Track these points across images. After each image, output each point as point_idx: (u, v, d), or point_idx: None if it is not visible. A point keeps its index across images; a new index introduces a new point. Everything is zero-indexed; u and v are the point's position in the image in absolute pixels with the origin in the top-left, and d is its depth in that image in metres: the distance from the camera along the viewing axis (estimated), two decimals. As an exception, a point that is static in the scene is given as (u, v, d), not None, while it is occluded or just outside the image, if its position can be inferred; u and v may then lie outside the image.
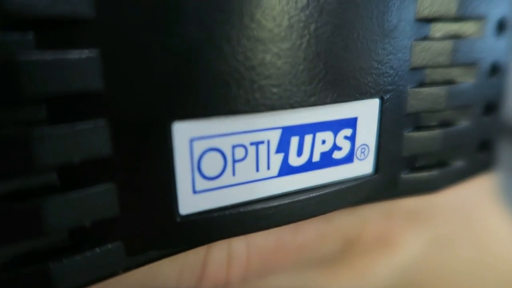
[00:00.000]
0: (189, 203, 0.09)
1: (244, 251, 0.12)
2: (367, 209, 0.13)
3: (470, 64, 0.12)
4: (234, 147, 0.09)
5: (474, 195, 0.15)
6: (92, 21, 0.07)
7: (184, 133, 0.08)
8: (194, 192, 0.09)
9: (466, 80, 0.12)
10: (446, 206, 0.14)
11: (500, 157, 0.15)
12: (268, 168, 0.09)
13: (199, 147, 0.08)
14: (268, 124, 0.09)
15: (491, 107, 0.13)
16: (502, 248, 0.16)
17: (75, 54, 0.07)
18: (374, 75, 0.10)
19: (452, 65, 0.11)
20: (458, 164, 0.13)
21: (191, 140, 0.08)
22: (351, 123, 0.10)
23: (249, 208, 0.09)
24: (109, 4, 0.07)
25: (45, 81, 0.07)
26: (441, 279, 0.15)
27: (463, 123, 0.12)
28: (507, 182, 0.18)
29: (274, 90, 0.09)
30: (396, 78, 0.10)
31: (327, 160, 0.10)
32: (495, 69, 0.13)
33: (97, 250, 0.08)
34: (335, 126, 0.10)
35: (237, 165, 0.09)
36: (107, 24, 0.07)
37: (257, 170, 0.09)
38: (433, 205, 0.14)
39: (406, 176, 0.12)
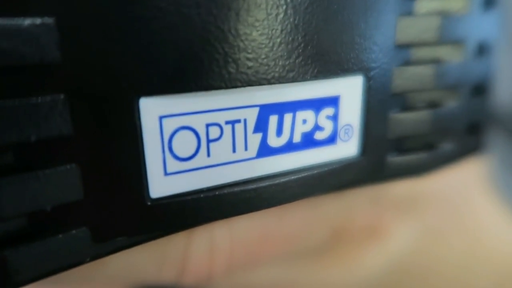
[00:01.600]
0: (160, 185, 0.08)
1: (227, 241, 0.11)
2: (355, 197, 0.13)
3: (457, 42, 0.11)
4: (208, 125, 0.08)
5: (465, 184, 0.15)
6: None
7: (152, 109, 0.08)
8: (166, 174, 0.08)
9: (453, 59, 0.11)
10: (436, 195, 0.14)
11: (491, 146, 0.14)
12: (246, 149, 0.09)
13: (169, 125, 0.08)
14: (244, 102, 0.08)
15: (480, 88, 0.13)
16: (493, 238, 0.16)
17: None
18: (356, 51, 0.09)
19: (438, 42, 0.11)
20: (446, 146, 0.12)
21: (161, 118, 0.08)
22: (333, 101, 0.10)
23: (226, 191, 0.09)
24: None
25: None
26: (431, 269, 0.14)
27: (451, 104, 0.12)
28: (498, 172, 0.18)
29: (250, 64, 0.08)
30: (380, 55, 0.10)
31: (308, 141, 0.10)
32: (483, 48, 0.12)
33: (60, 236, 0.07)
34: (316, 104, 0.09)
35: (212, 145, 0.08)
36: None
37: (234, 151, 0.09)
38: (422, 194, 0.14)
39: (392, 159, 0.11)
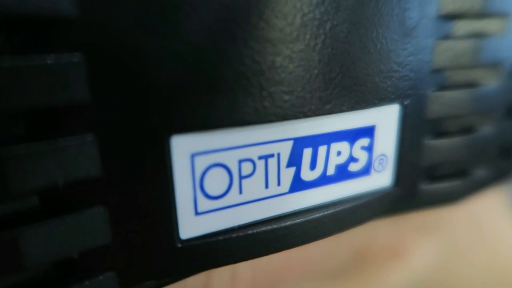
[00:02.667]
0: (190, 226, 0.08)
1: (249, 271, 0.11)
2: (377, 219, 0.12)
3: (494, 65, 0.11)
4: (240, 162, 0.08)
5: (489, 209, 0.15)
6: (75, 21, 0.06)
7: (184, 147, 0.07)
8: (196, 213, 0.08)
9: (490, 82, 0.11)
10: (457, 214, 0.14)
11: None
12: (279, 184, 0.08)
13: (201, 163, 0.07)
14: (278, 136, 0.08)
15: None
16: None
17: (54, 59, 0.06)
18: (393, 79, 0.09)
19: (475, 65, 0.10)
20: (480, 172, 0.12)
21: (192, 156, 0.07)
22: (369, 131, 0.09)
23: (258, 229, 0.08)
24: (96, 3, 0.06)
25: (22, 92, 0.06)
26: (454, 285, 0.14)
27: (486, 129, 0.11)
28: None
29: (286, 97, 0.08)
30: (417, 81, 0.09)
31: (342, 174, 0.09)
32: None
33: (87, 283, 0.07)
34: (351, 135, 0.09)
35: (244, 181, 0.08)
36: (92, 24, 0.06)
37: (267, 186, 0.08)
38: (443, 214, 0.13)
39: (425, 187, 0.11)
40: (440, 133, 0.11)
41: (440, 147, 0.10)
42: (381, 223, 0.12)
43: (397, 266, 0.13)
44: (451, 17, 0.10)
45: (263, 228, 0.08)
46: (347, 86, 0.08)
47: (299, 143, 0.08)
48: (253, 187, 0.08)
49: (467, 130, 0.11)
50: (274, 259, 0.11)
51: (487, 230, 0.15)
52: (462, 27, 0.10)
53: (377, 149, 0.09)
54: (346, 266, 0.13)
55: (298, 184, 0.09)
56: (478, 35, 0.10)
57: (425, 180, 0.11)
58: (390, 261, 0.13)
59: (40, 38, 0.06)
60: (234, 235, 0.08)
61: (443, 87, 0.10)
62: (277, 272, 0.11)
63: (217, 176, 0.08)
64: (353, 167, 0.09)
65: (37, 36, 0.06)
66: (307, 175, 0.09)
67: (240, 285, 0.11)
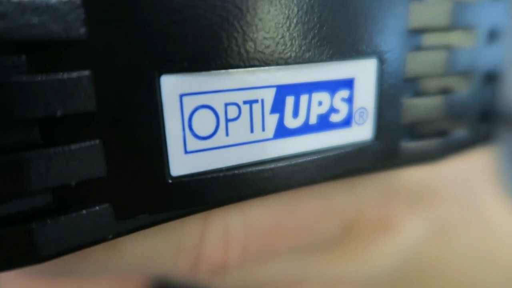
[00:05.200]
0: (180, 163, 0.08)
1: (242, 231, 0.11)
2: (366, 189, 0.13)
3: (468, 27, 0.11)
4: (226, 105, 0.08)
5: (472, 175, 0.15)
6: None
7: (173, 87, 0.08)
8: (186, 152, 0.08)
9: (465, 45, 0.12)
10: (444, 186, 0.14)
11: (498, 140, 0.14)
12: (263, 129, 0.09)
13: (189, 103, 0.08)
14: (262, 82, 0.09)
15: (491, 75, 0.13)
16: (499, 235, 0.16)
17: None
18: (370, 34, 0.09)
19: (450, 27, 0.11)
20: (459, 133, 0.12)
21: (181, 96, 0.08)
22: (348, 84, 0.10)
23: (245, 171, 0.09)
24: None
25: None
26: (439, 267, 0.14)
27: (464, 91, 0.12)
28: (505, 166, 0.18)
29: (267, 43, 0.08)
30: (393, 39, 0.10)
31: (324, 123, 0.10)
32: (494, 35, 0.12)
33: (84, 211, 0.08)
34: (331, 86, 0.09)
35: (231, 124, 0.09)
36: None
37: (252, 131, 0.09)
38: (430, 185, 0.14)
39: (406, 144, 0.11)
40: (420, 93, 0.11)
41: (418, 105, 0.11)
42: (371, 193, 0.13)
43: (384, 241, 0.13)
44: None
45: (249, 170, 0.09)
46: (325, 36, 0.09)
47: (282, 91, 0.09)
48: (239, 130, 0.09)
49: (445, 91, 0.12)
50: (265, 223, 0.12)
51: (472, 202, 0.15)
52: None
53: (357, 102, 0.10)
54: (334, 238, 0.13)
55: (282, 131, 0.09)
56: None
57: (405, 138, 0.11)
58: (377, 235, 0.13)
59: None
60: (222, 175, 0.09)
61: (420, 47, 0.11)
62: (268, 236, 0.12)
63: (204, 117, 0.08)
64: (334, 118, 0.10)
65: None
66: (290, 122, 0.09)
67: (233, 246, 0.11)
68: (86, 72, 0.07)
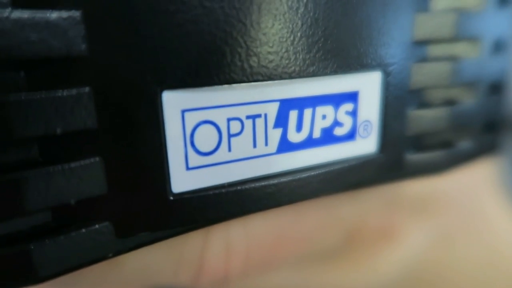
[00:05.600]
0: (182, 180, 0.08)
1: (243, 242, 0.11)
2: (369, 199, 0.13)
3: (473, 38, 0.11)
4: (229, 120, 0.08)
5: (476, 185, 0.15)
6: None
7: (175, 103, 0.08)
8: (188, 168, 0.08)
9: (470, 56, 0.11)
10: (448, 197, 0.14)
11: (502, 148, 0.14)
12: (266, 144, 0.09)
13: (191, 119, 0.08)
14: (265, 96, 0.08)
15: (496, 86, 0.13)
16: (503, 244, 0.15)
17: None
18: (375, 46, 0.09)
19: (455, 39, 0.11)
20: (464, 145, 0.12)
21: (183, 111, 0.08)
22: (353, 97, 0.10)
23: (247, 186, 0.09)
24: None
25: None
26: (443, 278, 0.14)
27: (468, 102, 0.12)
28: (509, 175, 0.18)
29: (271, 57, 0.08)
30: (398, 50, 0.10)
31: (328, 137, 0.10)
32: (499, 46, 0.12)
33: (83, 230, 0.07)
34: (335, 100, 0.09)
35: (233, 140, 0.08)
36: None
37: (254, 146, 0.09)
38: (434, 195, 0.14)
39: (410, 156, 0.11)
40: (424, 104, 0.11)
41: (423, 117, 0.11)
42: (374, 203, 0.13)
43: (387, 250, 0.13)
44: None
45: (252, 185, 0.09)
46: (329, 50, 0.09)
47: (285, 105, 0.09)
48: (242, 145, 0.09)
49: (450, 102, 0.12)
50: (267, 234, 0.11)
51: (476, 212, 0.15)
52: (441, 1, 0.10)
53: (361, 115, 0.10)
54: (337, 247, 0.13)
55: (285, 145, 0.09)
56: (456, 9, 0.11)
57: (410, 150, 0.11)
58: (380, 245, 0.13)
59: None
60: (224, 191, 0.08)
61: (425, 59, 0.11)
62: (270, 248, 0.12)
63: (207, 133, 0.08)
64: (338, 132, 0.10)
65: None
66: (294, 136, 0.09)
67: (235, 258, 0.11)
68: (87, 89, 0.07)
